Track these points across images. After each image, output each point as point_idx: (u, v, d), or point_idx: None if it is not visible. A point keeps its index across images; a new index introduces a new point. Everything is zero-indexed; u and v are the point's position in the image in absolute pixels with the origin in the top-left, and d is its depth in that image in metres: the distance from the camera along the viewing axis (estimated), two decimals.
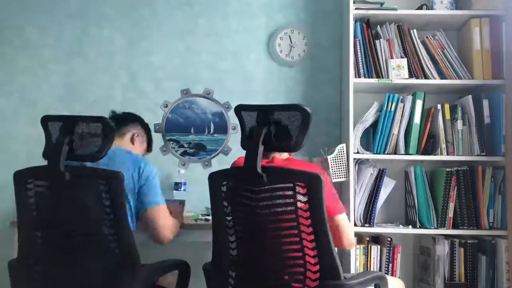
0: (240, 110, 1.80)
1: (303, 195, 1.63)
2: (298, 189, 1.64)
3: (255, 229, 1.75)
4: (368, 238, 2.80)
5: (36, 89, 3.17)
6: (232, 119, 3.13)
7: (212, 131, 3.15)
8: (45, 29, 3.20)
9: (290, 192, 1.65)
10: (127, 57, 3.19)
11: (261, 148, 1.67)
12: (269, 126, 1.69)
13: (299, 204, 1.64)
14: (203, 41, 3.19)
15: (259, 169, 1.66)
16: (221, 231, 1.84)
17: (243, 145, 1.77)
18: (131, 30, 3.20)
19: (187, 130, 3.14)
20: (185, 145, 3.14)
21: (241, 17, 3.20)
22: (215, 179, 1.84)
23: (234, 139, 3.12)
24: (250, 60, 3.18)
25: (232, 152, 3.11)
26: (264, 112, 1.73)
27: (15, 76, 3.18)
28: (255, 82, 3.17)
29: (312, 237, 1.65)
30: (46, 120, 1.93)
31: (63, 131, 1.86)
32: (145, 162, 2.24)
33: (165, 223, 2.20)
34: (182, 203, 2.68)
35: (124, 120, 2.45)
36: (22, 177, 1.93)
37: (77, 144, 1.84)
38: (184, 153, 3.14)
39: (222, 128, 3.15)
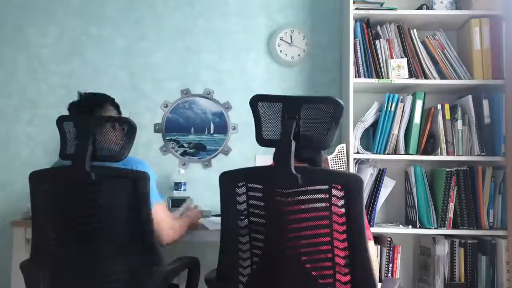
0: (257, 101, 1.58)
1: (340, 198, 1.46)
2: (334, 191, 1.47)
3: (279, 236, 1.55)
4: None
5: (36, 89, 3.17)
6: (232, 119, 3.13)
7: (212, 131, 3.15)
8: (45, 29, 3.20)
9: (325, 195, 1.48)
10: (127, 57, 3.19)
11: (293, 145, 1.48)
12: (298, 120, 1.50)
13: (334, 209, 1.47)
14: (203, 41, 3.19)
15: (293, 169, 1.47)
16: (232, 238, 1.65)
17: (262, 141, 1.57)
18: (131, 30, 3.20)
19: (187, 130, 3.14)
20: (185, 145, 3.14)
21: (241, 17, 3.20)
22: (228, 179, 1.63)
23: (234, 139, 3.13)
24: (250, 60, 3.18)
25: (232, 152, 3.12)
26: (291, 104, 1.53)
27: (15, 76, 3.18)
28: (255, 82, 3.17)
29: (344, 244, 1.48)
30: (62, 120, 1.88)
31: (85, 131, 1.83)
32: (138, 161, 2.11)
33: (165, 221, 2.08)
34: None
35: (98, 104, 2.26)
36: (38, 178, 1.90)
37: (99, 145, 1.82)
38: (184, 153, 3.14)
39: (222, 128, 3.15)
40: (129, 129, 1.84)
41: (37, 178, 1.90)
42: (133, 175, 1.85)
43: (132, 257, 1.87)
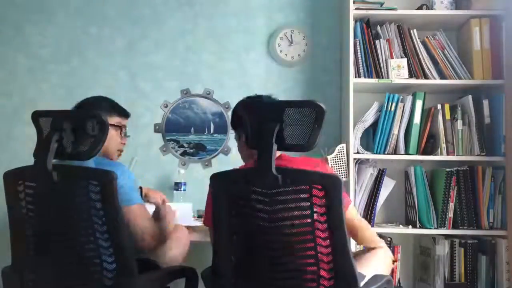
0: (244, 107, 1.68)
1: (320, 198, 1.53)
2: (314, 191, 1.53)
3: (263, 235, 1.62)
4: None
5: (36, 89, 3.17)
6: None
7: (212, 131, 3.15)
8: (45, 29, 3.20)
9: (306, 195, 1.54)
10: (127, 57, 3.19)
11: (275, 147, 1.54)
12: (281, 123, 1.56)
13: (315, 208, 1.54)
14: (203, 41, 3.19)
15: (273, 170, 1.53)
16: (223, 237, 1.72)
17: (252, 144, 1.64)
18: (131, 30, 3.20)
19: (187, 130, 3.14)
20: (185, 145, 3.14)
21: (241, 17, 3.20)
22: (218, 180, 1.70)
23: (234, 139, 3.12)
24: (250, 60, 3.18)
25: (232, 152, 3.11)
26: (274, 108, 1.62)
27: (15, 76, 3.18)
28: (255, 82, 3.16)
29: (327, 242, 1.55)
30: (37, 116, 1.79)
31: (52, 127, 1.71)
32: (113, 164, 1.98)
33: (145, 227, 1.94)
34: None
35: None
36: (11, 178, 1.78)
37: (66, 142, 1.68)
38: (184, 153, 3.14)
39: (222, 128, 3.15)
40: (100, 125, 1.69)
41: (9, 178, 1.78)
42: (98, 174, 1.70)
43: (103, 266, 1.71)
